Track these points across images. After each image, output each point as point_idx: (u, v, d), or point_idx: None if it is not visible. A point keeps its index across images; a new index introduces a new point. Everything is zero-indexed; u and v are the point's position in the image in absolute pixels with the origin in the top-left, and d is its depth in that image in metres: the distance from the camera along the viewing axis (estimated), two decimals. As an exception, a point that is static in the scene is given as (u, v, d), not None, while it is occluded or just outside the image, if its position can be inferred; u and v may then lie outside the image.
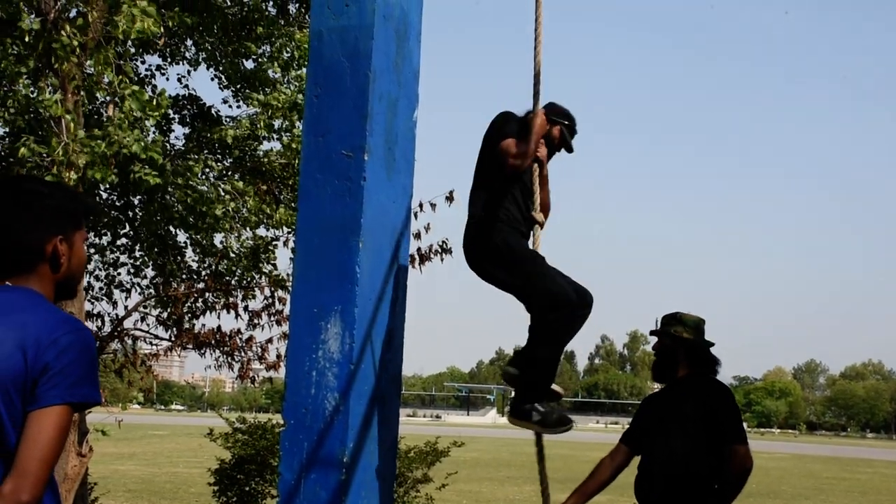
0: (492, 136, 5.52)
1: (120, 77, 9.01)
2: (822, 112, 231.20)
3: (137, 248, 13.05)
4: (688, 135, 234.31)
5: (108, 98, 10.07)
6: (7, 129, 10.71)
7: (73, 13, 9.28)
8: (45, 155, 8.75)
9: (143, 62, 12.68)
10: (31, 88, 9.28)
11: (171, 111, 12.48)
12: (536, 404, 5.34)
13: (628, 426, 5.97)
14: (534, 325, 5.34)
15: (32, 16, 9.10)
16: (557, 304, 5.24)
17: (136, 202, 12.44)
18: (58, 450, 2.54)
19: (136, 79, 11.46)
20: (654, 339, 5.81)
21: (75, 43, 8.65)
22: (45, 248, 2.73)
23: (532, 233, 5.51)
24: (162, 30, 9.34)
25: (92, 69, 9.22)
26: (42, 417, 2.51)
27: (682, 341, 5.60)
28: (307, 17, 12.78)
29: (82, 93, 9.42)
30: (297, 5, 13.10)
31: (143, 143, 9.00)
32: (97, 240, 12.69)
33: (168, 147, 11.96)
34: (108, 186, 11.61)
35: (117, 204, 12.47)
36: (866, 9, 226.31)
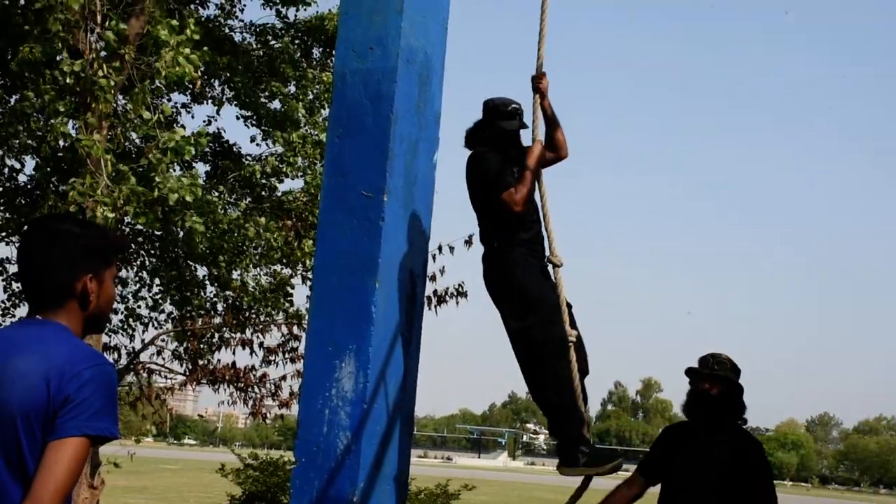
0: (487, 184, 5.53)
1: (156, 116, 9.12)
2: (836, 162, 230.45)
3: (157, 281, 13.13)
4: (713, 187, 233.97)
5: (145, 139, 10.19)
6: (37, 166, 10.83)
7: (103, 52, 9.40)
8: (88, 195, 8.83)
9: (169, 100, 12.83)
10: (70, 127, 9.41)
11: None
12: (581, 447, 5.37)
13: (645, 456, 5.84)
14: (534, 378, 5.44)
15: (66, 55, 9.24)
16: (557, 352, 5.35)
17: (154, 233, 12.54)
18: (72, 481, 2.56)
19: (171, 118, 11.63)
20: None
21: (112, 83, 8.78)
22: (75, 285, 2.78)
23: (554, 275, 5.51)
24: (199, 73, 9.48)
25: (128, 107, 9.34)
26: (59, 448, 2.54)
27: (737, 390, 5.47)
28: (328, 61, 12.96)
29: (118, 131, 9.55)
30: (320, 49, 13.26)
31: (195, 192, 9.09)
32: (118, 272, 12.75)
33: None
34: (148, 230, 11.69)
35: (138, 238, 12.57)
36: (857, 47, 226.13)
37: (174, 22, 8.99)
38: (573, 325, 5.47)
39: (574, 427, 5.41)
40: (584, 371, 5.58)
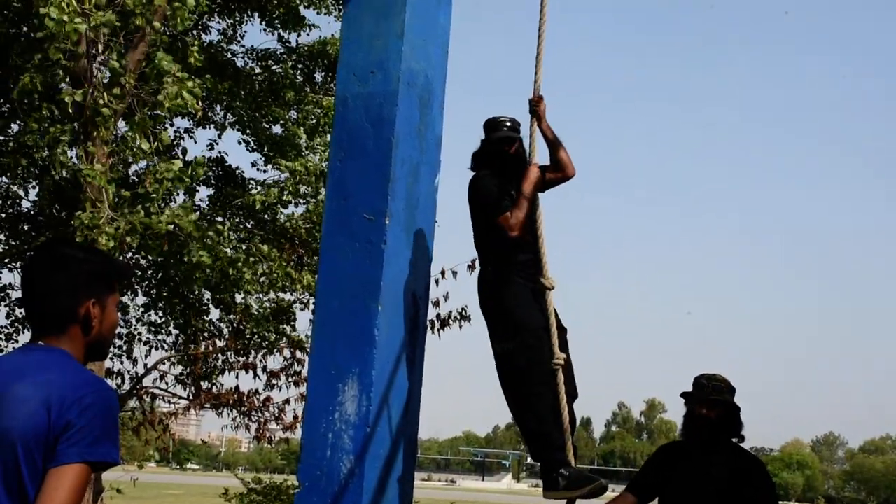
0: (485, 207, 5.56)
1: (155, 144, 9.17)
2: (836, 166, 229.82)
3: (160, 305, 13.14)
4: (710, 200, 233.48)
5: (144, 167, 10.24)
6: (40, 193, 10.88)
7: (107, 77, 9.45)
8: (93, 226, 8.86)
9: (172, 124, 12.87)
10: (71, 156, 9.46)
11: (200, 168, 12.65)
12: (561, 470, 5.34)
13: (637, 475, 5.74)
14: (515, 402, 5.45)
15: (68, 84, 9.29)
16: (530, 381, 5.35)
17: (158, 260, 12.57)
18: (73, 508, 2.55)
19: (174, 143, 11.70)
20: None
21: (113, 110, 8.82)
22: (77, 310, 2.78)
23: (545, 297, 5.50)
24: (200, 103, 9.54)
25: (128, 134, 9.38)
26: (60, 475, 2.53)
27: (735, 412, 5.43)
28: (332, 85, 13.02)
29: (118, 157, 9.59)
30: (323, 73, 13.33)
31: (196, 223, 9.15)
32: (122, 296, 12.78)
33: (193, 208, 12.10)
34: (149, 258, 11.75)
35: (142, 262, 12.59)
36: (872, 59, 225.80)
37: (170, 58, 9.04)
38: (563, 348, 5.46)
39: (553, 451, 5.38)
40: (572, 395, 5.58)
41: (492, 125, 5.73)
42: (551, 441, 5.37)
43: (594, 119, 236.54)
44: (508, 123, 5.72)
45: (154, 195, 9.13)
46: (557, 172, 5.69)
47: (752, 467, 5.38)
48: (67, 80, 9.44)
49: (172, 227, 9.10)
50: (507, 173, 5.58)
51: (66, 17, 8.10)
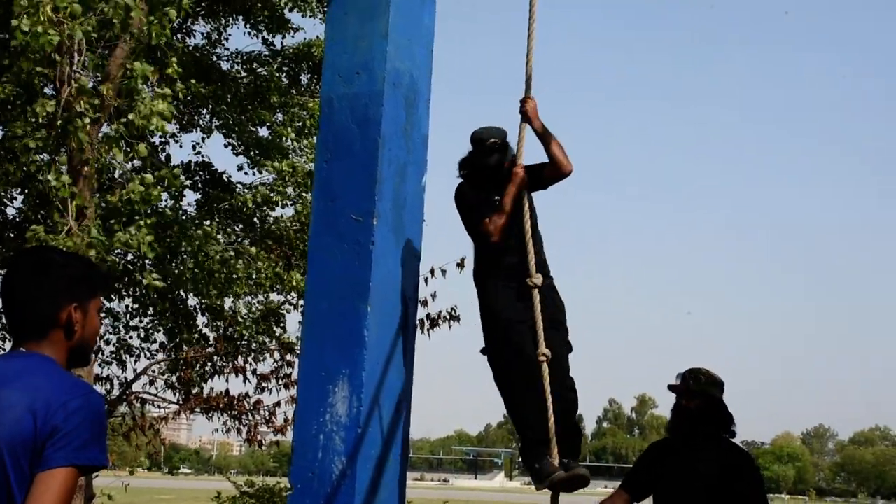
0: (469, 212, 5.60)
1: (131, 154, 9.14)
2: (833, 164, 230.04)
3: (149, 311, 13.09)
4: (702, 197, 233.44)
5: (123, 177, 10.23)
6: (25, 199, 10.86)
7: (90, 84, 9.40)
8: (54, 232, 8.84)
9: (153, 133, 12.84)
10: (43, 166, 9.42)
11: (182, 176, 12.62)
12: (534, 463, 5.37)
13: (630, 472, 5.75)
14: (504, 397, 5.50)
15: (50, 88, 9.24)
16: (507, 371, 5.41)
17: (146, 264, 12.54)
18: (61, 512, 2.54)
19: (159, 146, 11.68)
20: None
21: (87, 120, 8.77)
22: (59, 315, 2.76)
23: (531, 295, 5.49)
24: (171, 124, 9.54)
25: (101, 146, 9.34)
26: (48, 479, 2.52)
27: (715, 404, 5.44)
28: (317, 87, 13.02)
29: (92, 167, 9.54)
30: (308, 75, 13.32)
31: (152, 244, 9.15)
32: (109, 303, 12.75)
33: (180, 213, 12.06)
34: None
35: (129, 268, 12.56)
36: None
37: (149, 69, 8.97)
38: (548, 344, 5.45)
39: (532, 444, 5.41)
40: (570, 387, 5.58)
41: (480, 145, 5.66)
42: (532, 434, 5.40)
43: (586, 116, 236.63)
44: (498, 142, 5.65)
45: (123, 209, 9.12)
46: (554, 170, 5.64)
47: (743, 463, 5.39)
48: (52, 86, 9.40)
49: (125, 247, 9.09)
50: (498, 179, 5.58)
51: (39, 29, 7.98)
